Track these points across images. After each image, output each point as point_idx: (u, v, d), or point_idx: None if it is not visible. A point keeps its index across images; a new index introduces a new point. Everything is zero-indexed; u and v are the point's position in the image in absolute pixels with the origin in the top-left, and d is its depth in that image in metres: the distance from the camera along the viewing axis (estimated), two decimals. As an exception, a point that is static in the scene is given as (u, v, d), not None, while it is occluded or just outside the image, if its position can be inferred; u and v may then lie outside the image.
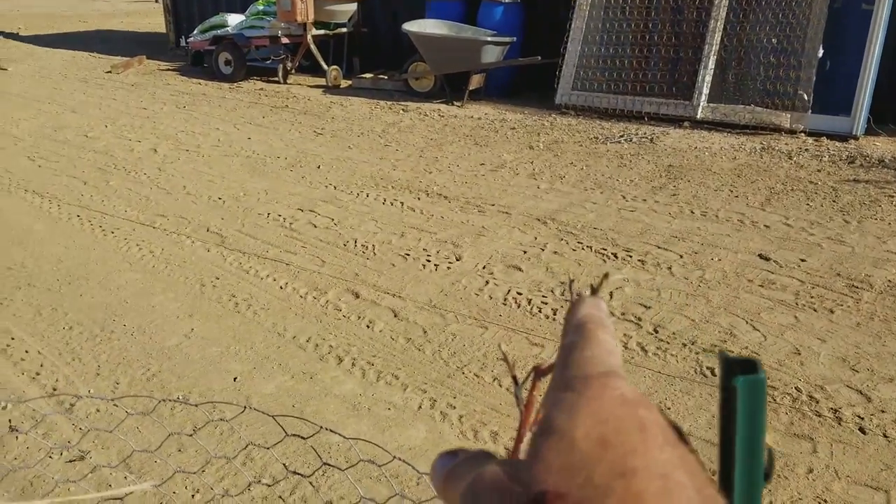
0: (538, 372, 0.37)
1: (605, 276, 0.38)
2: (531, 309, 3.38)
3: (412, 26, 8.07)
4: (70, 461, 2.37)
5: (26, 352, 3.07)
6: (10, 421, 2.59)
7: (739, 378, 0.28)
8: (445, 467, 0.31)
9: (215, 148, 6.36)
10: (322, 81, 9.15)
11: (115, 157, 6.05)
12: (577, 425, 0.26)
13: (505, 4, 8.20)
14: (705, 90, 6.76)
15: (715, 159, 5.79)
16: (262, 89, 9.05)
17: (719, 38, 6.75)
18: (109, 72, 10.29)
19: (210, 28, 9.97)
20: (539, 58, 7.54)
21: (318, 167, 5.74)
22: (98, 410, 2.64)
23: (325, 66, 9.10)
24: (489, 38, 7.76)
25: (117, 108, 7.99)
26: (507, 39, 7.82)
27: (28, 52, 12.33)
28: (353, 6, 9.51)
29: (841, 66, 6.35)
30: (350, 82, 9.15)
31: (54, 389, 2.80)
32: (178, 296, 3.57)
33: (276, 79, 9.35)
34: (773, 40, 6.48)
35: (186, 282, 3.72)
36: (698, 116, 6.74)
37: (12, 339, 3.17)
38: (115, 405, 2.61)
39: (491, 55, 7.78)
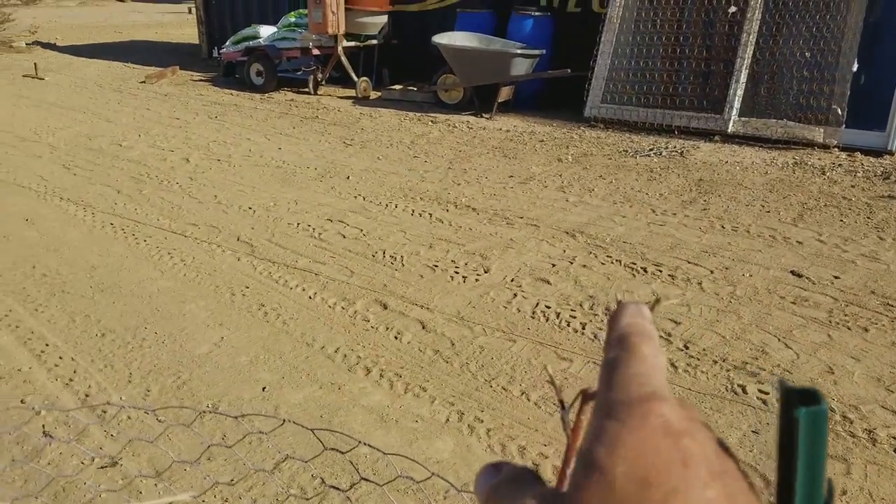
0: (586, 396, 0.36)
1: (658, 300, 0.37)
2: (559, 322, 3.37)
3: (442, 39, 8.11)
4: (102, 467, 2.40)
5: (60, 358, 3.11)
6: (43, 426, 2.62)
7: (802, 409, 0.28)
8: (488, 483, 0.31)
9: (246, 158, 6.43)
10: (352, 93, 9.23)
11: (149, 166, 6.14)
12: (618, 461, 0.25)
13: (535, 17, 8.22)
14: (737, 104, 6.70)
15: (746, 174, 5.73)
16: (292, 100, 9.14)
17: (752, 52, 6.69)
18: (143, 82, 10.47)
19: (242, 39, 10.12)
20: (569, 70, 7.54)
21: (348, 178, 5.77)
22: (129, 417, 2.67)
23: (355, 78, 9.18)
24: (518, 51, 7.78)
25: (150, 118, 8.12)
26: (536, 52, 7.82)
27: (64, 62, 12.57)
28: (384, 18, 9.59)
29: (876, 81, 6.26)
30: (379, 94, 9.21)
31: (87, 396, 2.84)
32: (209, 304, 3.61)
33: (307, 90, 9.44)
34: (807, 54, 6.41)
35: (217, 290, 3.76)
36: (729, 130, 6.68)
37: (46, 345, 3.22)
38: (146, 413, 2.64)
39: (520, 67, 7.79)
